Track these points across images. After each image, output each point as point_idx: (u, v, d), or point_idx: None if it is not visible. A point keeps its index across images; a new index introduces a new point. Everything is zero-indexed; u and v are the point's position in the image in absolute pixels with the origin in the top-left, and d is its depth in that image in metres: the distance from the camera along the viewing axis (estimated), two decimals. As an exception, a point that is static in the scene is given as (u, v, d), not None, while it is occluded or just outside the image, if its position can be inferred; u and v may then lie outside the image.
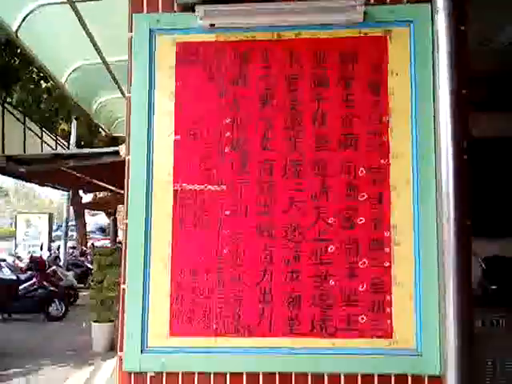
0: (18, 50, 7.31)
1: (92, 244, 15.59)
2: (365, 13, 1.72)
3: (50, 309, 8.47)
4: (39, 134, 10.36)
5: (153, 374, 1.67)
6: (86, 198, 15.13)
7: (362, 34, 1.76)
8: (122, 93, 4.66)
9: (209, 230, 1.72)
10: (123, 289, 1.70)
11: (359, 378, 1.64)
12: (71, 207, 13.72)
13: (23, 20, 3.23)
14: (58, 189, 12.71)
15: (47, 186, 11.75)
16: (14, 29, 3.35)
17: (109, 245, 14.97)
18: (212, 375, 1.67)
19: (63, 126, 12.65)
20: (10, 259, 10.57)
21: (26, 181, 10.24)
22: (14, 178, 9.64)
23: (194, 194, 1.73)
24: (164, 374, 1.67)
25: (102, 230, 22.82)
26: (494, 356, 2.29)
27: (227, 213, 1.72)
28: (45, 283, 8.52)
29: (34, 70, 8.61)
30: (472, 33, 1.83)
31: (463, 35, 1.74)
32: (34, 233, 12.92)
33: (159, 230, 1.72)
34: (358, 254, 1.69)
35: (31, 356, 6.36)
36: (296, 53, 1.76)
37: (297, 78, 1.75)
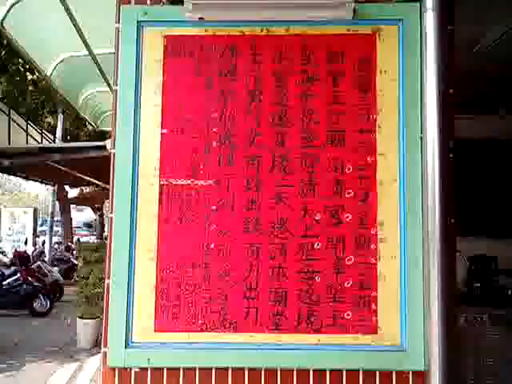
0: (5, 42, 7.18)
1: (78, 239, 15.44)
2: (354, 10, 1.72)
3: (35, 304, 8.36)
4: (24, 127, 10.20)
5: (137, 370, 1.66)
6: (72, 192, 14.99)
7: (351, 32, 1.76)
8: (110, 86, 4.62)
9: (195, 225, 1.71)
10: (108, 283, 1.68)
11: (344, 374, 1.65)
12: (57, 202, 13.54)
13: (9, 10, 3.17)
14: (44, 183, 12.55)
15: (33, 180, 11.60)
16: (0, 19, 3.29)
17: (95, 240, 14.87)
18: (198, 370, 1.66)
19: (49, 119, 12.47)
20: (-7, 254, 10.42)
21: (11, 174, 10.08)
22: (-2, 171, 9.49)
23: (180, 188, 1.72)
24: (149, 370, 1.66)
25: (89, 225, 22.59)
26: (478, 352, 2.33)
27: (214, 208, 1.71)
28: (29, 278, 8.40)
29: (20, 61, 8.46)
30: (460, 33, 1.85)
31: (451, 35, 1.75)
32: (19, 227, 12.73)
33: (145, 225, 1.70)
34: (344, 250, 1.69)
35: (15, 352, 6.28)
36: (285, 48, 1.75)
37: (285, 74, 1.75)
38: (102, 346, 1.67)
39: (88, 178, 9.85)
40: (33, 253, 10.55)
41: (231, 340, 1.66)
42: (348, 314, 1.67)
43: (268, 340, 1.67)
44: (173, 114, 1.75)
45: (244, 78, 1.75)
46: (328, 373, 1.66)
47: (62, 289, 9.40)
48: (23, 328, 7.58)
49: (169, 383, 1.66)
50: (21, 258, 8.82)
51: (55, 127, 11.53)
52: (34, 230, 12.94)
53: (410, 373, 1.65)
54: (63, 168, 7.85)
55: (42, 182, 12.36)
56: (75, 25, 3.36)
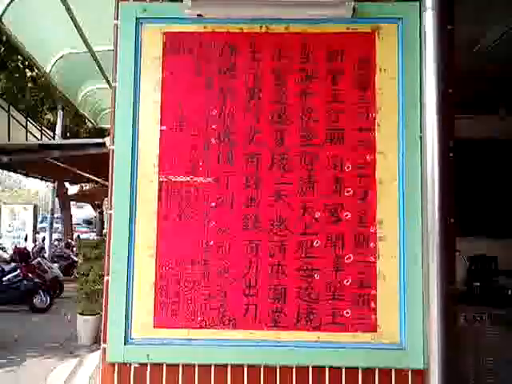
0: (4, 38, 7.16)
1: (78, 236, 15.44)
2: (354, 9, 1.72)
3: (35, 300, 8.36)
4: (24, 124, 10.18)
5: (137, 366, 1.67)
6: (72, 189, 14.99)
7: (350, 30, 1.76)
8: (109, 83, 4.61)
9: (194, 222, 1.71)
10: (107, 280, 1.69)
11: (343, 371, 1.66)
12: (57, 199, 13.54)
13: (8, 6, 3.16)
14: (44, 180, 12.54)
15: (33, 176, 11.59)
16: (-1, 15, 3.28)
17: (95, 237, 14.87)
18: (196, 367, 1.67)
19: (49, 116, 12.45)
20: (-7, 250, 10.42)
21: (11, 171, 10.08)
22: (-3, 167, 9.49)
23: (179, 185, 1.72)
24: (148, 366, 1.67)
25: (88, 222, 22.60)
26: (477, 351, 2.33)
27: (213, 205, 1.71)
28: (29, 275, 8.41)
29: (20, 58, 8.44)
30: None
31: (451, 34, 1.75)
32: (19, 224, 12.73)
33: (144, 222, 1.71)
34: (343, 248, 1.69)
35: (15, 348, 6.29)
36: (284, 46, 1.75)
37: (285, 72, 1.74)
38: (102, 341, 1.67)
39: (88, 175, 9.85)
40: (33, 249, 10.54)
41: (230, 337, 1.67)
42: (347, 312, 1.68)
43: (267, 337, 1.67)
44: (172, 110, 1.75)
45: (243, 75, 1.75)
46: (327, 370, 1.66)
47: (61, 285, 9.41)
48: (23, 324, 7.59)
49: (168, 379, 1.66)
50: (21, 255, 8.83)
51: (55, 124, 11.52)
52: (34, 226, 12.95)
53: (410, 371, 1.65)
54: (63, 165, 7.85)
55: (41, 179, 12.35)
56: (74, 22, 3.35)
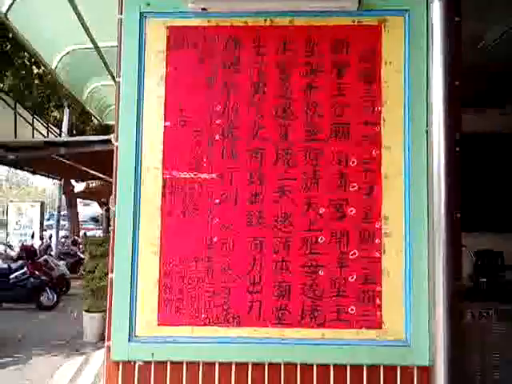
0: (10, 35, 7.19)
1: (84, 233, 15.52)
2: (359, 1, 1.69)
3: (42, 298, 8.41)
4: (30, 121, 10.24)
5: (141, 363, 1.66)
6: (79, 187, 15.04)
7: (356, 23, 1.73)
8: (114, 79, 4.61)
9: (198, 219, 1.70)
10: (111, 278, 1.68)
11: (348, 368, 1.64)
12: (63, 196, 13.62)
13: (13, 1, 3.16)
14: (51, 177, 12.61)
15: (39, 174, 11.65)
16: (4, 10, 3.28)
17: (101, 234, 14.94)
18: (201, 365, 1.66)
19: (55, 113, 12.51)
20: (0, 248, 10.49)
21: (18, 168, 10.14)
22: (4, 165, 9.54)
23: (183, 181, 1.71)
24: (152, 363, 1.66)
25: (95, 219, 22.71)
26: (483, 347, 2.31)
27: (217, 201, 1.70)
28: (36, 272, 8.46)
29: (26, 55, 8.47)
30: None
31: (458, 26, 1.72)
32: (26, 221, 12.82)
33: (148, 219, 1.70)
34: (348, 244, 1.67)
35: (22, 345, 6.34)
36: (289, 40, 1.73)
37: (289, 66, 1.72)
38: (106, 339, 1.67)
39: (94, 172, 9.88)
40: (40, 247, 10.62)
41: (234, 334, 1.66)
42: (352, 309, 1.66)
43: (271, 334, 1.66)
44: (176, 106, 1.73)
45: (247, 69, 1.73)
46: (332, 367, 1.64)
47: (68, 282, 9.46)
48: (30, 322, 7.64)
49: (172, 377, 1.65)
50: (28, 252, 8.88)
51: (61, 121, 11.57)
52: (41, 223, 13.03)
53: (415, 368, 1.63)
54: (69, 162, 7.87)
55: (48, 177, 12.43)
56: (80, 17, 3.35)
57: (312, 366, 1.65)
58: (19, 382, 5.10)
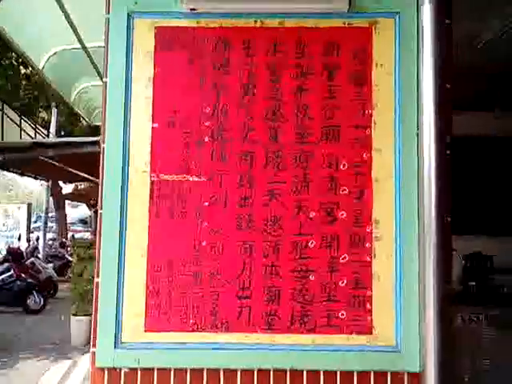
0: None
1: (72, 236, 15.35)
2: (350, 3, 1.68)
3: (29, 301, 8.29)
4: (18, 123, 10.10)
5: (127, 370, 1.62)
6: (67, 188, 14.89)
7: (346, 25, 1.72)
8: (102, 80, 4.56)
9: (187, 222, 1.66)
10: (97, 282, 1.64)
11: (338, 374, 1.62)
12: (51, 198, 13.45)
13: (-1, 1, 3.10)
14: (39, 179, 12.45)
15: (27, 175, 11.50)
16: (-11, 11, 3.22)
17: (89, 236, 14.79)
18: (189, 371, 1.62)
19: (43, 114, 12.36)
20: (-14, 250, 10.33)
21: (5, 170, 9.99)
22: (-9, 166, 9.38)
23: (171, 184, 1.68)
24: (139, 370, 1.62)
25: (84, 221, 22.49)
26: (473, 352, 2.30)
27: (206, 204, 1.67)
28: (23, 275, 8.33)
29: (14, 55, 8.36)
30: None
31: (448, 29, 1.72)
32: (13, 223, 12.63)
33: (135, 222, 1.66)
34: (339, 248, 1.66)
35: (8, 350, 6.23)
36: (279, 41, 1.71)
37: (279, 68, 1.70)
38: (91, 345, 1.63)
39: (83, 174, 9.79)
40: (26, 249, 10.47)
41: (223, 340, 1.63)
42: (342, 314, 1.64)
43: (261, 340, 1.63)
44: (164, 107, 1.70)
45: (237, 71, 1.71)
46: (322, 373, 1.62)
47: (56, 285, 9.34)
48: (17, 325, 7.52)
49: (159, 384, 1.62)
50: (14, 255, 8.75)
51: (49, 122, 11.43)
52: (28, 226, 12.85)
53: (405, 374, 1.62)
54: (57, 164, 7.77)
55: (36, 178, 12.26)
56: (67, 17, 3.30)
57: (302, 372, 1.62)
58: (5, 387, 5.01)
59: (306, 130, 1.68)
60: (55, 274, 9.68)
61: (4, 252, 9.76)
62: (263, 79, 1.70)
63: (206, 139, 1.69)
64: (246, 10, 1.70)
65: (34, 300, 8.31)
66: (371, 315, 1.64)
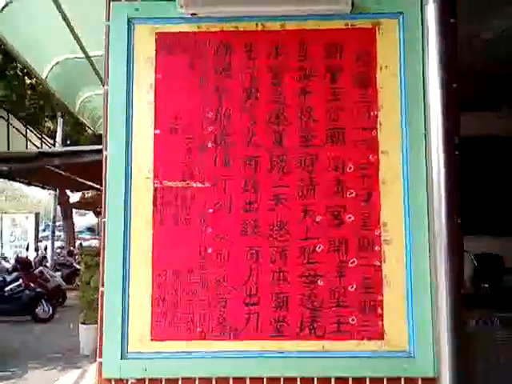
0: (2, 46, 7.14)
1: (80, 244, 15.39)
2: (353, 4, 1.66)
3: (37, 310, 8.31)
4: (23, 133, 10.16)
5: (134, 381, 1.60)
6: (74, 197, 14.93)
7: (349, 26, 1.69)
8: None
9: (191, 229, 1.64)
10: (102, 291, 1.62)
11: (350, 381, 1.58)
12: (58, 207, 13.51)
13: (1, 10, 3.11)
14: (46, 188, 12.51)
15: (34, 185, 11.55)
16: (-8, 20, 3.24)
17: (97, 244, 14.82)
18: (197, 381, 1.59)
19: (49, 124, 12.44)
20: (-5, 260, 10.38)
21: (11, 180, 10.04)
22: (-3, 176, 9.43)
23: (175, 191, 1.65)
24: (146, 381, 1.60)
25: (91, 229, 22.58)
26: (489, 356, 2.25)
27: (210, 211, 1.65)
28: (31, 284, 8.36)
29: (18, 65, 8.42)
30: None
31: (453, 28, 1.69)
32: (21, 233, 12.70)
33: (139, 230, 1.64)
34: (347, 252, 1.62)
35: (18, 359, 6.23)
36: (281, 44, 1.69)
37: (282, 71, 1.68)
38: (97, 356, 1.60)
39: (89, 183, 9.81)
40: (35, 258, 10.52)
41: (231, 348, 1.60)
42: (353, 319, 1.61)
43: (270, 348, 1.60)
44: (166, 113, 1.68)
45: (239, 75, 1.69)
46: (333, 381, 1.58)
47: (64, 294, 9.36)
48: (26, 334, 7.53)
49: (167, 394, 1.59)
50: (22, 264, 8.79)
51: (55, 132, 11.51)
52: (36, 235, 12.92)
53: (419, 379, 1.58)
54: (63, 173, 7.80)
55: (43, 188, 12.32)
56: (69, 26, 3.31)
57: (312, 379, 1.59)
58: (14, 398, 5.00)
59: (311, 132, 1.66)
60: (63, 283, 9.71)
61: (12, 261, 9.80)
62: (266, 82, 1.68)
63: (209, 144, 1.67)
64: (247, 13, 1.68)
65: (42, 309, 8.33)
66: (382, 320, 1.60)
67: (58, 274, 10.41)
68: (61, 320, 8.27)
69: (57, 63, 4.00)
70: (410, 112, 1.64)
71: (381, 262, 1.62)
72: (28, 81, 9.00)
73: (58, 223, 13.79)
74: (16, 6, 3.10)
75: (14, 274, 8.61)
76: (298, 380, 1.58)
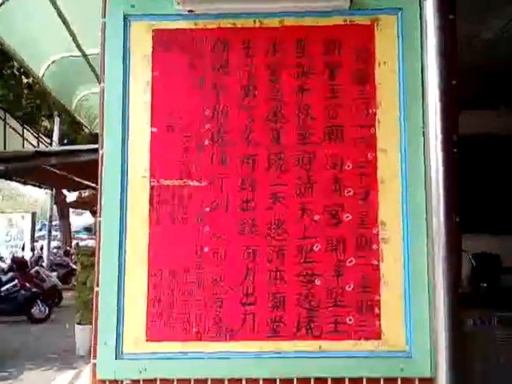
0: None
1: (76, 244, 15.33)
2: (351, 0, 1.64)
3: (33, 310, 8.28)
4: (20, 132, 10.12)
5: (129, 382, 1.58)
6: (71, 196, 14.88)
7: (348, 22, 1.68)
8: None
9: (188, 228, 1.62)
10: (97, 291, 1.60)
11: (347, 381, 1.57)
12: (55, 206, 13.46)
13: (-3, 9, 3.09)
14: (42, 188, 12.46)
15: (31, 184, 11.51)
16: (-13, 19, 3.21)
17: (94, 244, 14.77)
18: (192, 382, 1.57)
19: (45, 123, 12.39)
20: (-9, 260, 10.32)
21: (8, 179, 10.00)
22: (-6, 176, 9.38)
23: (171, 189, 1.64)
24: (141, 382, 1.57)
25: (88, 229, 22.49)
26: (486, 356, 2.24)
27: (207, 209, 1.63)
28: (27, 284, 8.32)
29: (15, 65, 8.38)
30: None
31: (453, 24, 1.67)
32: (17, 233, 12.63)
33: (135, 229, 1.62)
34: (344, 252, 1.61)
35: (14, 359, 6.20)
36: (279, 41, 1.67)
37: (280, 68, 1.66)
38: (91, 357, 1.58)
39: (86, 182, 9.77)
40: (31, 258, 10.47)
41: (227, 349, 1.58)
42: (350, 319, 1.59)
43: (266, 348, 1.58)
44: (163, 111, 1.66)
45: (237, 72, 1.67)
46: (330, 381, 1.57)
47: (60, 294, 9.32)
48: (21, 334, 7.49)
49: (163, 395, 1.57)
50: (18, 264, 8.75)
51: (52, 131, 11.45)
52: (32, 235, 12.85)
53: (416, 379, 1.56)
54: (60, 172, 7.76)
55: (40, 187, 12.27)
56: (66, 24, 3.28)
57: (309, 379, 1.57)
58: (10, 398, 4.97)
59: (309, 130, 1.64)
60: (60, 283, 9.67)
61: (8, 261, 9.75)
62: (264, 80, 1.66)
63: (207, 142, 1.65)
64: (244, 10, 1.67)
65: (38, 309, 8.29)
66: (380, 320, 1.59)
67: (54, 273, 10.36)
68: (57, 320, 8.24)
69: (53, 62, 3.97)
70: (409, 109, 1.63)
71: (378, 261, 1.60)
72: (25, 80, 8.95)
73: (54, 223, 13.73)
74: (12, 5, 3.08)
75: (10, 274, 8.57)
76: (295, 381, 1.57)
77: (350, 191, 1.62)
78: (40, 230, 18.49)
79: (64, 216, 15.26)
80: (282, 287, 1.60)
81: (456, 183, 1.54)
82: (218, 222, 1.62)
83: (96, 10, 2.09)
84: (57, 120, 10.39)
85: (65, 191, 14.27)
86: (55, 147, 9.47)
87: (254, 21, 1.68)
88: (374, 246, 1.61)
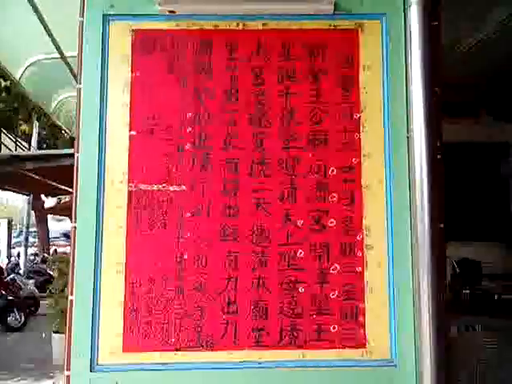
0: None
1: (54, 250, 14.99)
2: (335, 4, 1.63)
3: (9, 319, 8.03)
4: (-3, 136, 9.88)
5: (105, 395, 1.51)
6: (49, 202, 14.58)
7: (332, 27, 1.66)
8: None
9: (168, 234, 1.57)
10: (71, 300, 1.53)
11: (331, 392, 1.53)
12: (33, 212, 13.15)
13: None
14: (20, 193, 12.16)
15: (8, 190, 11.22)
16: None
17: (73, 251, 14.44)
18: (171, 394, 1.52)
19: (24, 127, 12.12)
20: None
21: (-17, 184, 9.72)
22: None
23: (150, 194, 1.58)
24: (118, 395, 1.51)
25: (67, 235, 22.06)
26: (471, 363, 2.24)
27: (188, 215, 1.58)
28: (3, 292, 8.08)
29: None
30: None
31: (437, 30, 1.67)
32: (-7, 239, 12.28)
33: (112, 235, 1.56)
34: (328, 258, 1.58)
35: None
36: (262, 44, 1.64)
37: (263, 71, 1.64)
38: (65, 369, 1.51)
39: (64, 187, 9.58)
40: (7, 265, 10.18)
41: (208, 359, 1.52)
42: (334, 327, 1.56)
43: (248, 358, 1.53)
44: (142, 114, 1.61)
45: (219, 75, 1.63)
46: (314, 391, 1.53)
47: (37, 302, 9.05)
48: (-4, 344, 7.25)
49: (141, 408, 1.51)
50: (-7, 272, 8.48)
51: (30, 135, 11.21)
52: (9, 242, 12.52)
53: (402, 389, 1.54)
54: (37, 177, 7.59)
55: (17, 192, 11.97)
56: (43, 23, 3.20)
57: (293, 390, 1.53)
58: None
59: (292, 135, 1.61)
60: (37, 291, 9.39)
61: (-16, 269, 9.45)
62: (247, 83, 1.63)
63: (187, 146, 1.60)
64: (227, 11, 1.64)
65: (14, 317, 8.06)
66: (364, 328, 1.56)
67: (32, 281, 10.07)
68: (33, 329, 8.01)
69: (30, 65, 3.87)
70: (393, 114, 1.61)
71: (363, 267, 1.58)
72: (3, 83, 8.74)
73: (32, 229, 13.40)
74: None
75: (-15, 282, 8.30)
76: (278, 391, 1.52)
77: (334, 196, 1.60)
78: (17, 236, 18.03)
79: (41, 222, 14.91)
80: (265, 295, 1.56)
81: (441, 189, 1.54)
82: (199, 228, 1.57)
83: (76, 11, 2.03)
84: (35, 124, 10.18)
85: (43, 197, 13.97)
86: (32, 151, 9.26)
87: (238, 23, 1.65)
88: (358, 253, 1.58)
